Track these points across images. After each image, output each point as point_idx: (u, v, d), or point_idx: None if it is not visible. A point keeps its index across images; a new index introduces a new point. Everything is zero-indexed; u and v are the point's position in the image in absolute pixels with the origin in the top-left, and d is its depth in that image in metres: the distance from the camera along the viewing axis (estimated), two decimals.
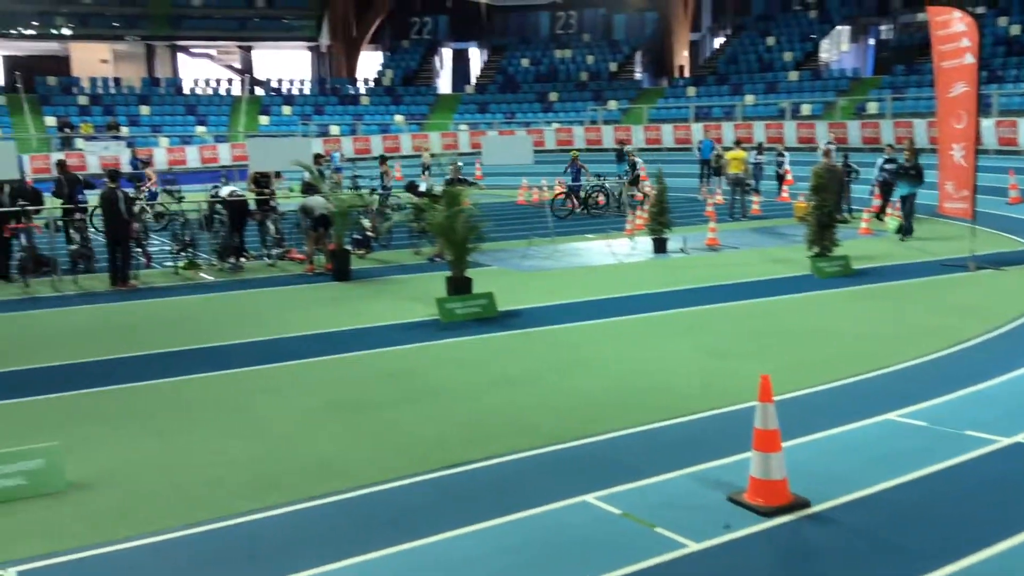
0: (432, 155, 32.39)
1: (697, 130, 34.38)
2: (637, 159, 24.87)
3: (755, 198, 23.67)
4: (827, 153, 19.19)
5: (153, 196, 22.11)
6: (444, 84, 53.66)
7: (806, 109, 35.49)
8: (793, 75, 39.76)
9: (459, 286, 12.47)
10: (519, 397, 8.39)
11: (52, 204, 16.66)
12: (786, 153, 26.36)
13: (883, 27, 45.17)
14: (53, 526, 5.78)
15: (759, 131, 32.36)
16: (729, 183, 23.20)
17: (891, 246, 17.26)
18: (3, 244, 15.21)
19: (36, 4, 48.35)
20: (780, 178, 26.15)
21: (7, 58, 51.30)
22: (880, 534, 5.45)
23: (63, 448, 6.48)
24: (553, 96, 45.07)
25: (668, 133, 36.17)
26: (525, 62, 49.02)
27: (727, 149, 24.98)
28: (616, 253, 17.30)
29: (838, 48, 44.02)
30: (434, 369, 9.44)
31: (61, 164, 17.87)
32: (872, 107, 33.64)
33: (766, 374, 5.84)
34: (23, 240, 14.90)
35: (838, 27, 43.96)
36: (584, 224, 21.58)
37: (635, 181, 23.49)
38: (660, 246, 17.22)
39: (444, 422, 7.70)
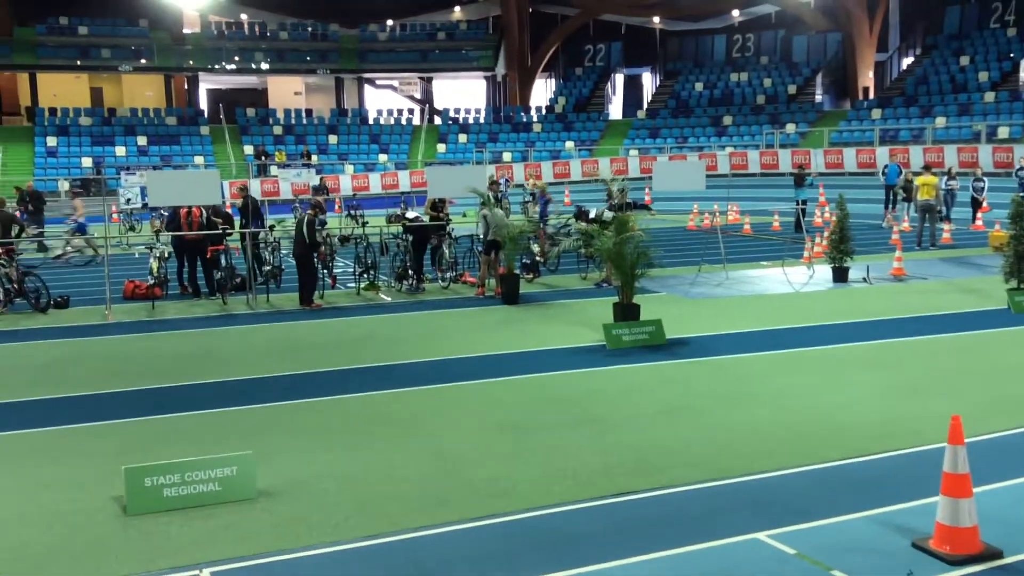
0: (539, 184, 32.34)
1: (882, 154, 32.82)
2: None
3: (946, 226, 22.35)
4: None
5: (81, 228, 22.18)
6: (615, 110, 53.81)
7: (1003, 132, 33.21)
8: (989, 96, 37.34)
9: (627, 312, 12.42)
10: (687, 428, 8.26)
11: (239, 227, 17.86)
12: (985, 178, 24.72)
13: None
14: (244, 530, 6.17)
15: (950, 155, 30.53)
16: (918, 210, 22.01)
17: None
18: (204, 264, 16.42)
19: (238, 42, 52.38)
20: (976, 204, 24.54)
21: (211, 91, 55.76)
22: None
23: (254, 457, 6.92)
24: (727, 120, 44.26)
25: (850, 157, 34.73)
26: (699, 86, 48.44)
27: (916, 174, 23.71)
28: (792, 282, 16.73)
29: None
30: (600, 395, 9.43)
31: (243, 189, 19.19)
32: None
33: (956, 414, 5.50)
34: (223, 260, 16.07)
35: None
36: (758, 250, 21.02)
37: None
38: (841, 275, 16.53)
39: (609, 449, 7.68)
